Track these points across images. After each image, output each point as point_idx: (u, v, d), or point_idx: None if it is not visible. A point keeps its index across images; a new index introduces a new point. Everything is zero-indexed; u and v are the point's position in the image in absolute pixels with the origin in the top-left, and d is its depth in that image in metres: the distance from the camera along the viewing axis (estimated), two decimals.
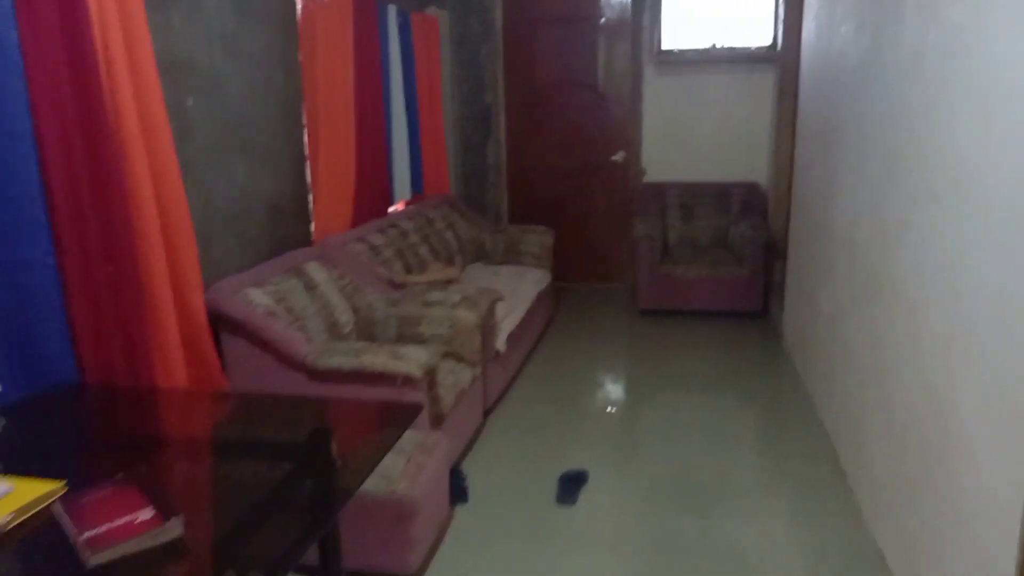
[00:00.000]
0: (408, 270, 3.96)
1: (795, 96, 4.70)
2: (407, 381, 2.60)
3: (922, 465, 2.15)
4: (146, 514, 1.24)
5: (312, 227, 3.58)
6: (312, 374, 2.67)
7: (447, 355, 3.19)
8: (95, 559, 1.16)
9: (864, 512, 2.69)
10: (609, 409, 3.83)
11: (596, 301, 5.61)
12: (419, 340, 3.22)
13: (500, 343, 3.61)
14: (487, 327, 3.41)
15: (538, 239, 4.95)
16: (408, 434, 2.53)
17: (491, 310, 3.44)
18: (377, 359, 2.62)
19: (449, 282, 3.69)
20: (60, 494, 1.36)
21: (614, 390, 4.11)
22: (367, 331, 3.26)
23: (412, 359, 2.62)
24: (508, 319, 3.88)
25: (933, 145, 2.16)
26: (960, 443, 1.90)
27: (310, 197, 3.57)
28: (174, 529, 1.22)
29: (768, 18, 5.22)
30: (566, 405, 3.80)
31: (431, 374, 2.70)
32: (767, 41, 5.27)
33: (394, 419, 1.93)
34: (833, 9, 3.49)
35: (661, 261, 5.06)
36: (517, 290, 4.33)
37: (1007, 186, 1.69)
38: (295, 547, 1.36)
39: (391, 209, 4.44)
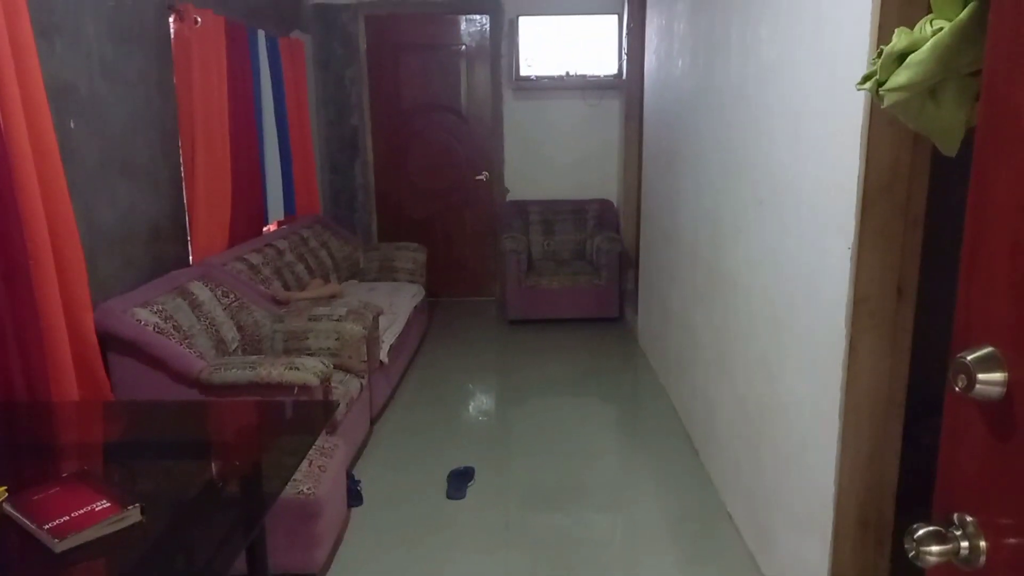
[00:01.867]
0: (287, 288, 4.04)
1: (640, 120, 5.22)
2: (304, 390, 2.73)
3: (757, 429, 2.57)
4: (103, 504, 1.35)
5: (190, 247, 3.61)
6: (206, 389, 2.74)
7: (335, 367, 3.34)
8: (62, 545, 1.26)
9: (714, 481, 3.11)
10: (485, 416, 4.09)
11: (467, 313, 5.88)
12: (307, 354, 3.34)
13: (383, 354, 3.78)
14: (371, 339, 3.58)
15: (411, 255, 5.16)
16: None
17: (375, 322, 3.61)
18: (274, 370, 2.73)
19: (332, 297, 3.82)
20: (3, 497, 1.43)
21: (490, 395, 4.37)
22: (254, 347, 3.34)
23: (308, 368, 2.75)
24: (389, 331, 4.06)
25: (757, 159, 2.60)
26: (783, 405, 2.31)
27: (187, 218, 3.59)
28: (134, 515, 1.34)
29: (613, 50, 5.73)
30: (447, 410, 4.02)
31: (327, 382, 2.85)
32: (613, 70, 5.79)
33: (309, 420, 2.08)
34: (671, 45, 3.98)
35: (527, 274, 5.40)
36: (395, 304, 4.52)
37: (812, 190, 2.11)
38: (230, 545, 1.43)
39: (265, 229, 4.49)
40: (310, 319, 3.39)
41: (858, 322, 1.86)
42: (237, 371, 2.74)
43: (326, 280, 4.38)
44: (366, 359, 3.41)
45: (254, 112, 4.22)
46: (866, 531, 1.96)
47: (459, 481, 3.14)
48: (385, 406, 3.94)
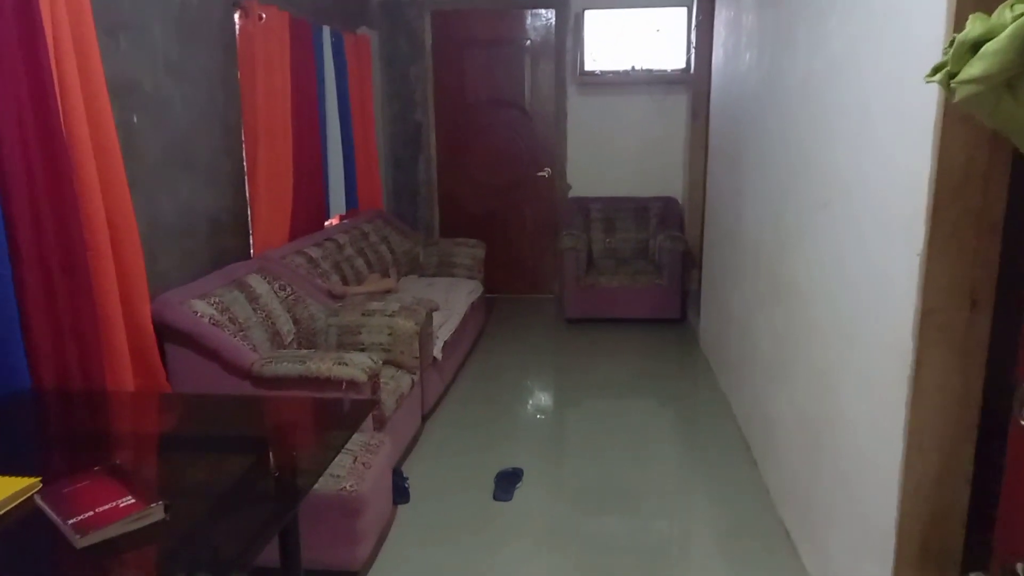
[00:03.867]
0: (345, 282, 4.08)
1: (706, 116, 5.06)
2: (352, 386, 2.74)
3: (816, 443, 2.43)
4: (127, 500, 1.36)
5: (251, 241, 3.67)
6: (258, 382, 2.77)
7: (387, 362, 3.35)
8: (84, 541, 1.27)
9: (772, 494, 2.97)
10: (539, 416, 4.04)
11: (525, 311, 5.83)
12: (359, 348, 3.36)
13: (437, 350, 3.77)
14: (424, 335, 3.57)
15: (470, 252, 5.15)
16: (354, 435, 2.67)
17: (428, 318, 3.61)
18: (323, 365, 2.74)
19: (387, 292, 3.84)
20: (37, 488, 1.46)
21: (544, 395, 4.31)
22: (309, 341, 3.38)
23: (357, 364, 2.76)
24: (444, 328, 4.05)
25: (822, 158, 2.46)
26: (843, 420, 2.18)
27: (249, 212, 3.66)
28: (156, 512, 1.34)
29: (681, 44, 5.58)
30: (500, 409, 3.99)
31: (375, 378, 2.85)
32: (681, 65, 5.63)
33: (347, 416, 2.07)
34: (739, 38, 3.83)
35: (586, 272, 5.32)
36: (451, 300, 4.51)
37: (879, 192, 1.98)
38: (257, 539, 1.43)
39: (327, 223, 4.55)
40: (363, 314, 3.40)
41: (925, 335, 1.73)
42: (288, 364, 2.76)
43: (384, 275, 4.40)
44: (418, 355, 3.40)
45: (317, 107, 4.27)
46: (929, 560, 1.82)
47: (507, 482, 3.10)
48: (438, 402, 3.94)
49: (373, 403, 1.96)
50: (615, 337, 5.16)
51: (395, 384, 3.17)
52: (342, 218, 4.81)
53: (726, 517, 2.91)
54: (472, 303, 4.76)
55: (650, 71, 5.69)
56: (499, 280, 6.10)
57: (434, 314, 4.08)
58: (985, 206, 1.66)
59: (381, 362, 2.93)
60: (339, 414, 2.07)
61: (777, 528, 2.79)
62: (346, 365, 2.75)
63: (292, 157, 3.89)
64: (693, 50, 5.43)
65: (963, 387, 1.73)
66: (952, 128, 1.64)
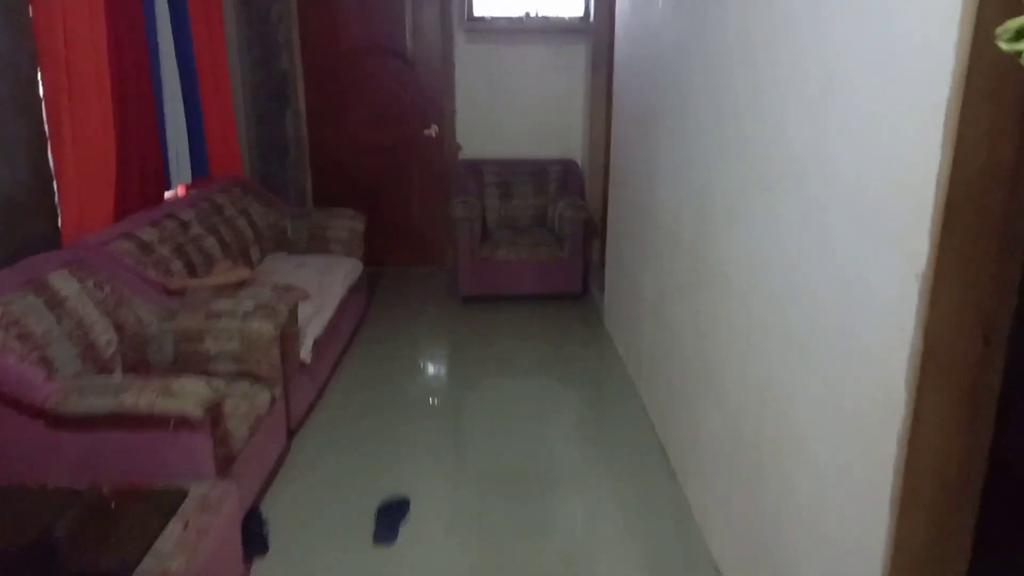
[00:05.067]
0: (192, 269, 3.38)
1: (609, 71, 4.59)
2: (183, 423, 2.13)
3: (760, 471, 2.05)
4: None
5: (60, 224, 2.92)
6: (56, 422, 2.12)
7: (240, 375, 2.74)
8: None
9: (697, 518, 2.60)
10: (432, 400, 3.55)
11: (415, 287, 5.27)
12: (204, 359, 2.73)
13: (305, 351, 3.18)
14: (288, 336, 2.97)
15: (347, 224, 4.50)
16: (190, 488, 2.08)
17: (292, 316, 3.00)
18: (142, 398, 2.11)
19: (240, 284, 3.18)
20: None
21: (434, 394, 3.80)
22: (138, 352, 2.71)
23: (188, 394, 2.14)
24: (314, 322, 3.45)
25: (763, 134, 2.02)
26: (798, 451, 1.79)
27: (55, 187, 2.90)
28: None
29: None
30: (384, 413, 3.45)
31: (215, 410, 2.24)
32: (579, 12, 5.11)
33: (153, 504, 1.49)
34: None
35: (481, 244, 4.79)
36: (325, 284, 3.89)
37: (852, 183, 1.55)
38: None
39: (168, 196, 3.80)
40: (208, 316, 2.76)
41: (926, 380, 1.32)
42: (95, 398, 2.11)
43: (236, 263, 3.71)
44: (279, 364, 2.81)
45: (147, 54, 3.48)
46: None
47: (390, 519, 2.59)
48: (308, 412, 3.35)
49: (182, 494, 1.41)
50: (514, 317, 4.69)
51: (248, 406, 2.57)
52: (189, 188, 4.06)
53: (644, 547, 2.52)
54: (351, 285, 4.15)
55: (546, 18, 5.14)
56: (385, 251, 5.50)
57: (304, 305, 3.47)
58: (1010, 214, 1.25)
59: (226, 386, 2.32)
60: (141, 501, 1.49)
61: (705, 561, 2.42)
62: (174, 397, 2.13)
63: (113, 115, 3.12)
64: None
65: (970, 446, 1.35)
66: (975, 107, 1.21)
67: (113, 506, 1.83)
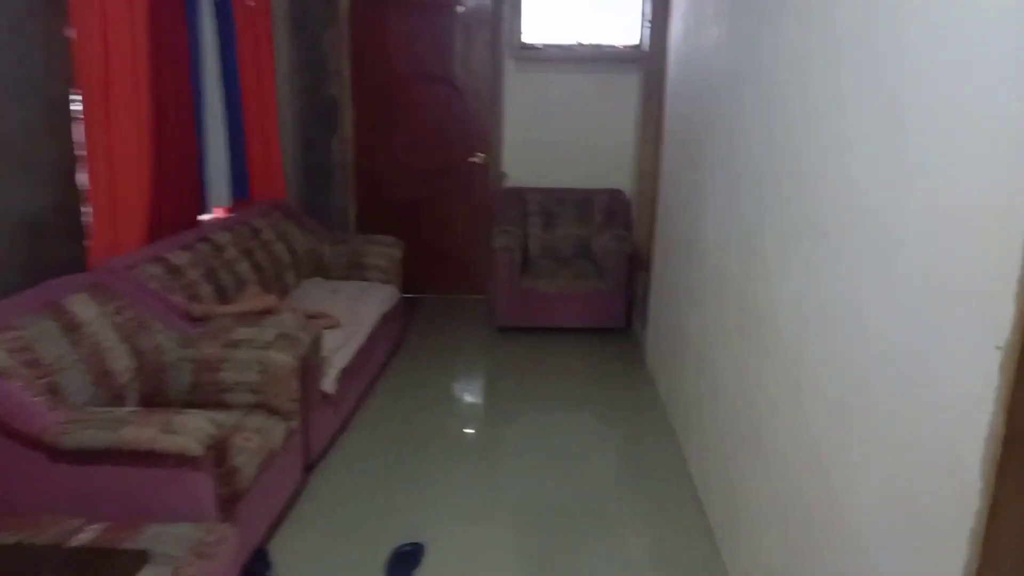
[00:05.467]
0: (223, 294, 3.31)
1: (661, 99, 4.42)
2: (183, 461, 2.02)
3: (804, 550, 1.82)
4: None
5: (87, 247, 2.88)
6: (55, 455, 2.03)
7: (257, 406, 2.63)
8: None
9: None
10: (461, 437, 3.39)
11: (451, 316, 5.14)
12: (221, 389, 2.63)
13: (328, 383, 3.06)
14: (310, 368, 2.85)
15: (385, 251, 4.41)
16: (184, 529, 1.96)
17: (315, 346, 2.89)
18: (143, 433, 2.01)
19: (267, 312, 3.09)
20: None
21: (465, 427, 3.63)
22: (154, 380, 2.63)
23: (191, 431, 2.03)
24: (343, 350, 3.33)
25: (820, 172, 1.82)
26: (851, 536, 1.57)
27: (86, 209, 2.86)
28: None
29: (635, 16, 4.91)
30: (410, 448, 3.30)
31: (218, 447, 2.13)
32: (633, 40, 4.97)
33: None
34: (703, 8, 3.17)
35: (521, 274, 4.64)
36: (357, 312, 3.79)
37: (915, 233, 1.34)
38: None
39: (205, 218, 3.76)
40: (226, 345, 2.66)
41: (1006, 469, 1.11)
42: (94, 431, 2.01)
43: (267, 289, 3.63)
44: (297, 397, 2.69)
45: (190, 76, 3.46)
46: None
47: (402, 567, 2.42)
48: (330, 445, 3.23)
49: (141, 556, 1.28)
50: (552, 350, 4.52)
51: (261, 441, 2.45)
52: (230, 211, 4.02)
53: None
54: (385, 313, 4.04)
55: (598, 46, 5.01)
56: (424, 279, 5.40)
57: (333, 333, 3.37)
58: None
59: (235, 420, 2.20)
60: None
61: None
62: (174, 433, 2.02)
63: (150, 136, 3.09)
64: (648, 23, 4.77)
65: None
66: None
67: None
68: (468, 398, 3.97)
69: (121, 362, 2.52)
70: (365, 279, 4.36)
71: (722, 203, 2.74)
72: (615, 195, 5.16)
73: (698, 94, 3.22)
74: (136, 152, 3.03)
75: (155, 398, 2.63)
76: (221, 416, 2.12)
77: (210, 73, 3.66)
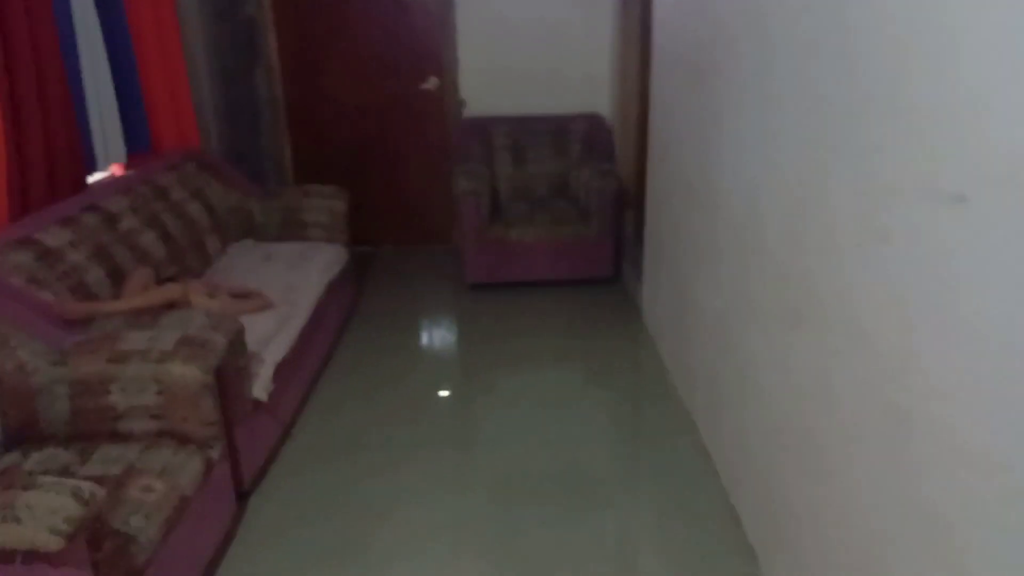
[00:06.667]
0: (119, 279, 2.63)
1: (645, 4, 3.72)
2: (38, 557, 1.40)
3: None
4: None
5: None
6: None
7: (161, 435, 2.01)
8: None
9: None
10: (429, 429, 2.82)
11: (414, 272, 4.50)
12: (111, 416, 2.00)
13: (260, 387, 2.43)
14: (231, 375, 2.22)
15: (326, 204, 3.71)
16: None
17: (236, 347, 2.24)
18: None
19: (168, 305, 2.42)
20: None
21: (434, 416, 3.05)
22: (20, 411, 1.98)
23: (42, 515, 1.40)
24: (278, 339, 2.70)
25: (948, 96, 1.20)
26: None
27: None
28: None
29: None
30: (370, 447, 2.71)
31: (91, 525, 1.51)
32: None
33: None
34: None
35: (491, 222, 4.00)
36: (296, 284, 3.14)
37: None
38: None
39: (94, 180, 3.03)
40: (111, 359, 2.01)
41: None
42: None
43: (180, 263, 2.92)
44: (212, 419, 2.06)
45: (51, 7, 2.65)
46: None
47: None
48: (270, 460, 2.62)
49: None
50: (532, 307, 3.93)
51: (166, 488, 1.84)
52: (127, 169, 3.28)
53: None
54: (331, 280, 3.39)
55: None
56: (378, 229, 4.75)
57: (265, 316, 2.74)
58: None
59: (104, 493, 1.58)
60: None
61: None
62: (18, 522, 1.39)
63: None
64: None
65: None
66: None
67: None
68: (438, 370, 3.37)
69: None
70: (305, 238, 3.69)
71: (748, 138, 2.11)
72: (593, 121, 4.48)
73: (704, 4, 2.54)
74: None
75: (24, 433, 2.00)
76: (88, 486, 1.49)
77: (81, 3, 2.86)
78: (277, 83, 4.48)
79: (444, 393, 3.15)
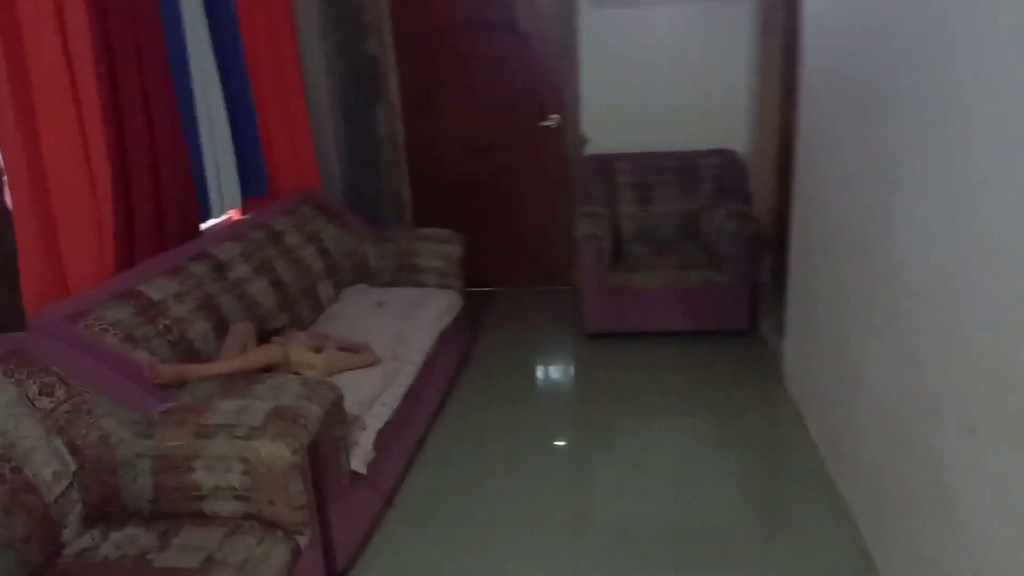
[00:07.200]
0: (221, 331, 2.52)
1: (789, 32, 3.34)
2: None
3: None
4: None
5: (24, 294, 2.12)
6: None
7: (248, 518, 1.83)
8: None
9: None
10: (546, 503, 2.53)
11: (530, 318, 4.24)
12: (194, 496, 1.84)
13: (359, 460, 2.23)
14: (326, 449, 2.03)
15: (441, 249, 3.54)
16: None
17: (334, 416, 2.05)
18: None
19: (268, 369, 2.27)
20: None
21: (551, 488, 2.75)
22: (103, 485, 1.86)
23: None
24: (383, 399, 2.51)
25: None
26: None
27: (14, 246, 2.10)
28: None
29: None
30: (472, 521, 2.45)
31: None
32: None
33: None
34: None
35: (613, 265, 3.69)
36: (406, 335, 2.96)
37: None
38: None
39: (207, 226, 2.98)
40: (197, 433, 1.85)
41: None
42: None
43: (292, 313, 2.79)
44: (302, 504, 1.86)
45: (165, 54, 2.61)
46: None
47: None
48: (369, 534, 2.41)
49: None
50: (655, 361, 3.57)
51: None
52: (245, 213, 3.23)
53: None
54: (443, 330, 3.19)
55: None
56: (494, 269, 4.55)
57: (372, 372, 2.56)
58: None
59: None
60: None
61: None
62: None
63: (105, 139, 2.28)
64: None
65: None
66: None
67: None
68: (553, 427, 3.06)
69: (52, 466, 1.76)
70: (419, 283, 3.52)
71: (940, 189, 1.71)
72: (726, 157, 4.10)
73: (879, 18, 2.15)
74: (76, 162, 2.22)
75: (107, 508, 1.87)
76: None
77: (196, 45, 2.83)
78: (397, 121, 4.39)
79: (559, 449, 2.86)
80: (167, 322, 2.33)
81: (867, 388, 2.21)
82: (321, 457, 2.00)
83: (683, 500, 2.52)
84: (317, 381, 2.09)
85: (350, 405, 2.31)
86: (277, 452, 1.80)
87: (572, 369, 3.66)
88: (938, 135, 1.72)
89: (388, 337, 2.91)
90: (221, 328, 2.53)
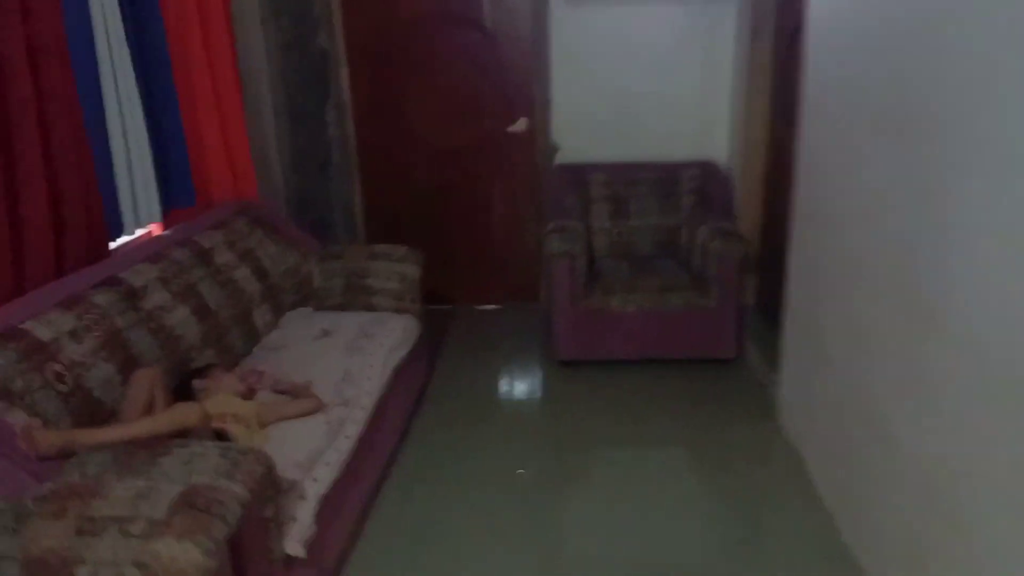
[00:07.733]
0: (129, 374, 2.09)
1: (781, 36, 3.04)
2: None
3: None
4: None
5: None
6: None
7: None
8: None
9: None
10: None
11: (495, 340, 3.87)
12: None
13: (296, 540, 1.83)
14: (257, 527, 1.62)
15: (396, 268, 3.13)
16: None
17: (262, 495, 1.65)
18: None
19: (180, 433, 1.84)
20: None
21: (516, 542, 2.39)
22: None
23: None
24: (324, 461, 2.10)
25: None
26: None
27: None
28: None
29: None
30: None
31: None
32: None
33: None
34: None
35: (587, 286, 3.34)
36: (354, 374, 2.56)
37: None
38: None
39: (117, 246, 2.53)
40: (80, 530, 1.43)
41: None
42: None
43: (194, 369, 2.32)
44: None
45: (66, 46, 2.17)
46: None
47: None
48: None
49: None
50: (634, 394, 3.24)
51: None
52: (167, 229, 2.79)
53: None
54: (396, 365, 2.80)
55: None
56: (457, 285, 4.16)
57: (314, 422, 2.16)
58: None
59: None
60: None
61: None
62: None
63: None
64: None
65: None
66: None
67: None
68: (527, 485, 2.70)
69: None
70: (371, 307, 3.11)
71: (990, 223, 1.40)
72: (708, 169, 3.80)
73: (898, 27, 1.85)
74: None
75: None
76: None
77: (105, 30, 2.39)
78: (349, 123, 3.98)
79: (531, 501, 2.49)
80: (58, 368, 1.90)
81: (898, 448, 1.90)
82: (245, 547, 1.60)
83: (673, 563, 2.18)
84: (242, 451, 1.68)
85: (286, 467, 1.92)
86: (184, 555, 1.39)
87: (542, 404, 3.30)
88: (995, 157, 1.41)
89: (334, 376, 2.50)
90: (129, 370, 2.10)
